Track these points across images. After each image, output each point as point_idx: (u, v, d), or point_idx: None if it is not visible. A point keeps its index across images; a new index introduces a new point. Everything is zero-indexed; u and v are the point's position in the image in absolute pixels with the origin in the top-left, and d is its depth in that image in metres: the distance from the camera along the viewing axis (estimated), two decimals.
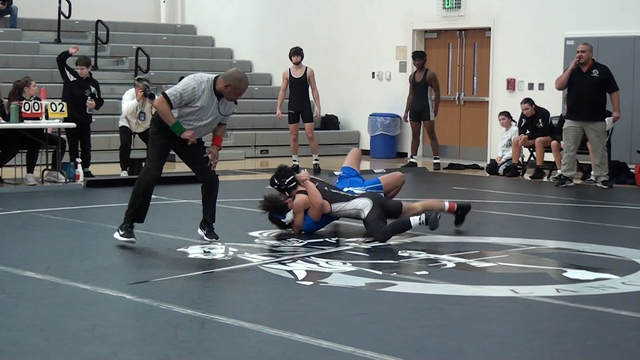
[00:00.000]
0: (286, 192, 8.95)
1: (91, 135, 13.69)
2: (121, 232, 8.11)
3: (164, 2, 22.66)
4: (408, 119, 16.46)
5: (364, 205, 8.80)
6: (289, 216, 8.87)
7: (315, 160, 15.41)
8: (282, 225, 8.99)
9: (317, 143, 15.65)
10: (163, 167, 8.27)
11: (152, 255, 7.96)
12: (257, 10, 21.00)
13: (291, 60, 15.42)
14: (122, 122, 13.59)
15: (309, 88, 15.44)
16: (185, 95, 7.95)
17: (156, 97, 13.63)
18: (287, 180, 8.93)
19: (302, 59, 15.40)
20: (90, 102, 13.32)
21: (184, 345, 5.34)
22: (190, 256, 7.86)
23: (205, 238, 8.35)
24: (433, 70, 16.48)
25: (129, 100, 13.47)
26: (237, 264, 7.56)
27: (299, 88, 15.39)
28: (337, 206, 8.91)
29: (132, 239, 8.09)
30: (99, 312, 6.08)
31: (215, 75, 8.07)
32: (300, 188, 8.93)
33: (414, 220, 8.68)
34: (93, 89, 13.57)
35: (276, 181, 8.99)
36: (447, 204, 9.29)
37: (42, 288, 6.71)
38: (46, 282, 6.85)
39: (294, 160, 15.40)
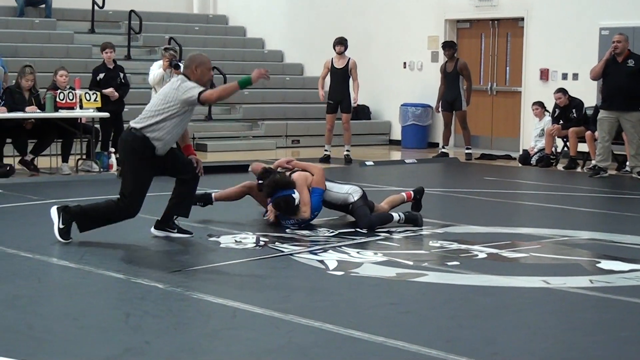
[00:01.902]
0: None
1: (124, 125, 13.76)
2: (174, 230, 8.12)
3: None
4: (440, 109, 16.41)
5: (353, 190, 8.86)
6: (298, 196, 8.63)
7: (347, 151, 15.39)
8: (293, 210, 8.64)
9: (351, 134, 15.64)
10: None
11: (185, 244, 7.99)
12: (288, 0, 20.98)
13: (334, 50, 15.42)
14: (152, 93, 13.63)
15: (350, 79, 15.39)
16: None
17: (181, 66, 13.74)
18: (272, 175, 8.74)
19: (345, 49, 15.37)
20: (112, 94, 13.40)
21: (215, 334, 5.38)
22: (222, 246, 7.89)
23: (181, 235, 8.13)
24: (464, 60, 16.40)
25: (156, 69, 13.43)
26: (268, 254, 7.58)
27: (340, 78, 15.37)
28: (330, 185, 8.92)
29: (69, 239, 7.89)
30: (132, 301, 6.12)
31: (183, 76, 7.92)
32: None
33: (395, 216, 8.86)
34: (121, 75, 13.71)
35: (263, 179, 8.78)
36: (404, 195, 9.31)
37: (77, 277, 6.78)
38: (80, 271, 6.91)
39: (326, 150, 15.39)
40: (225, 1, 22.57)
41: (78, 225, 7.95)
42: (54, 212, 7.90)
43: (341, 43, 15.37)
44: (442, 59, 17.44)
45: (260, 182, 8.82)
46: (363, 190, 8.91)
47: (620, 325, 5.58)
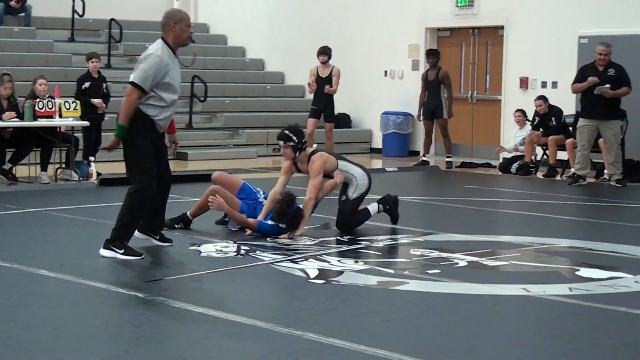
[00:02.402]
0: (297, 152, 8.83)
1: (104, 134, 13.72)
2: (120, 251, 7.50)
3: (177, 0, 22.67)
4: (421, 117, 16.44)
5: (361, 177, 9.00)
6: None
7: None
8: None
9: (333, 143, 15.67)
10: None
11: (165, 253, 7.97)
12: (270, 8, 20.99)
13: (318, 59, 15.49)
14: None
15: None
16: (156, 70, 7.39)
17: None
18: (303, 140, 8.86)
19: (329, 59, 15.48)
20: (100, 104, 13.40)
21: (196, 343, 5.36)
22: (202, 254, 7.86)
23: (162, 243, 8.00)
24: (446, 69, 16.45)
25: None
26: (249, 263, 7.56)
27: (324, 87, 15.44)
28: (343, 164, 9.02)
29: (141, 256, 7.58)
30: (111, 310, 6.10)
31: (160, 39, 7.59)
32: (309, 149, 8.96)
33: (373, 208, 9.07)
34: (104, 85, 13.70)
35: (293, 137, 8.79)
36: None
37: (56, 286, 6.74)
38: (59, 281, 6.87)
39: None
40: (206, 9, 22.55)
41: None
42: (106, 252, 7.53)
43: (324, 52, 15.47)
44: (423, 67, 17.50)
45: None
46: (368, 186, 9.04)
47: (599, 333, 5.61)
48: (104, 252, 7.55)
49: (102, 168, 13.39)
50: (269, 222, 8.65)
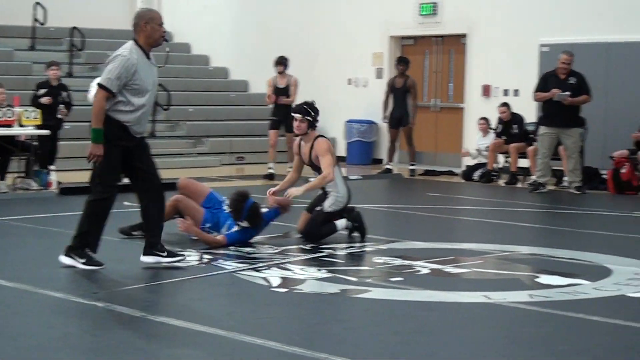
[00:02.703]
0: (309, 128, 8.99)
1: (65, 142, 13.64)
2: (81, 260, 7.37)
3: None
4: (386, 122, 16.45)
5: (343, 195, 9.02)
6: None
7: (290, 168, 15.26)
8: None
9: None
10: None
11: (125, 262, 7.91)
12: (234, 16, 20.99)
13: (275, 69, 15.45)
14: None
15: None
16: (123, 71, 7.18)
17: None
18: (318, 118, 9.04)
19: (285, 69, 15.37)
20: (63, 110, 13.33)
21: (157, 352, 5.33)
22: (164, 264, 7.81)
23: (173, 260, 7.57)
24: (414, 78, 16.52)
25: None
26: (212, 271, 7.53)
27: (283, 98, 15.36)
28: (337, 171, 9.09)
29: (102, 265, 7.42)
30: (70, 320, 6.05)
31: (131, 41, 7.38)
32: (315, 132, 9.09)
33: (340, 224, 9.02)
34: (65, 93, 13.60)
35: (312, 112, 8.95)
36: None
37: (14, 296, 6.66)
38: (17, 290, 6.80)
39: (270, 168, 15.35)
40: (169, 18, 22.33)
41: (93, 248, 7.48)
42: (66, 260, 7.41)
43: (281, 62, 15.38)
44: (387, 75, 17.59)
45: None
46: (345, 205, 9.02)
47: (558, 340, 5.64)
48: (64, 259, 7.46)
49: (63, 177, 13.28)
50: (235, 228, 8.63)
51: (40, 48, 19.69)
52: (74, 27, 19.41)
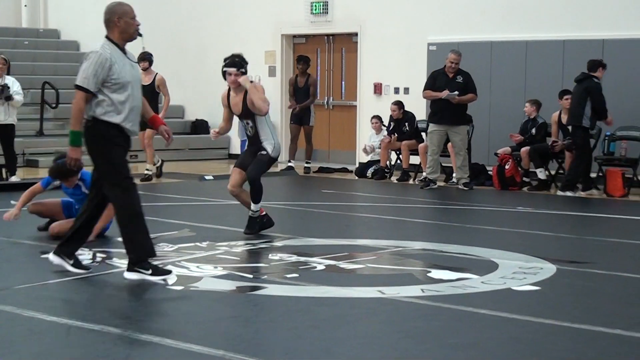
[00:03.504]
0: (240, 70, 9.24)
1: None
2: (147, 272, 6.97)
3: (25, 6, 22.06)
4: (290, 122, 16.51)
5: (277, 145, 9.34)
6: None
7: (147, 170, 14.56)
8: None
9: (153, 152, 14.54)
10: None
11: (14, 261, 7.77)
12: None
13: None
14: None
15: (159, 96, 14.65)
16: (98, 68, 6.86)
17: (15, 98, 13.35)
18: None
19: (150, 65, 14.34)
20: None
21: (48, 352, 5.27)
22: (55, 263, 7.68)
23: (163, 279, 7.01)
24: (315, 76, 16.63)
25: None
26: (106, 270, 7.46)
27: (148, 95, 14.72)
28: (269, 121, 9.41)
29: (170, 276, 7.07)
30: None
31: (104, 38, 7.05)
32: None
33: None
34: None
35: (245, 65, 9.25)
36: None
37: None
38: None
39: (147, 170, 14.59)
40: (56, 15, 22.06)
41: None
42: (132, 275, 7.03)
43: (144, 59, 14.18)
44: (280, 73, 17.66)
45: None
46: (276, 158, 9.35)
47: (448, 333, 5.75)
48: (129, 274, 7.02)
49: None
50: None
51: None
52: None
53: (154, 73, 14.46)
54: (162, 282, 6.94)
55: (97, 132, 6.93)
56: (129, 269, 7.05)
